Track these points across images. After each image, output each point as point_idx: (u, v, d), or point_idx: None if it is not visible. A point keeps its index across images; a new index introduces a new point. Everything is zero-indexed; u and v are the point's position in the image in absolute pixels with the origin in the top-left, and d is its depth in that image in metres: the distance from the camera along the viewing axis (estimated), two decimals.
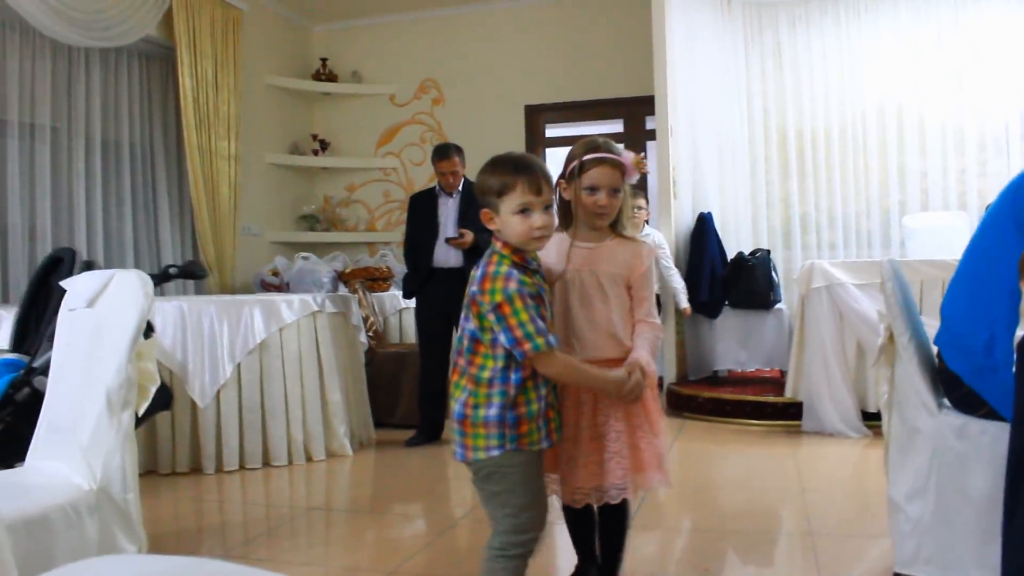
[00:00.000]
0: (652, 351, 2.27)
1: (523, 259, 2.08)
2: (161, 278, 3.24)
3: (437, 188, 5.24)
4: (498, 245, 2.08)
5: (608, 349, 2.26)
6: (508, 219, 2.05)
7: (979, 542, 2.40)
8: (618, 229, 2.35)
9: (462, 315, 2.08)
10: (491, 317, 1.99)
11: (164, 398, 3.20)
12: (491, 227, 2.11)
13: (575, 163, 2.30)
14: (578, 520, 2.48)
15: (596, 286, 2.28)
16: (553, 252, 2.27)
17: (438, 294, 5.08)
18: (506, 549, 2.04)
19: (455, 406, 2.07)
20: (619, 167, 2.28)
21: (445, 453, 4.91)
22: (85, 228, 5.76)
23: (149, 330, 3.13)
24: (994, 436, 2.37)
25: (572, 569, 2.56)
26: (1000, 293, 2.38)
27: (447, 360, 5.20)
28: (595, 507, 2.35)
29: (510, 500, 2.04)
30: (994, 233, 2.43)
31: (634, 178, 2.32)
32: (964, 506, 2.47)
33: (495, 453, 2.02)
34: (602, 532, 2.49)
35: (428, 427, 5.17)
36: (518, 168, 2.07)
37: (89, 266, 2.94)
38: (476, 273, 2.07)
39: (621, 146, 2.36)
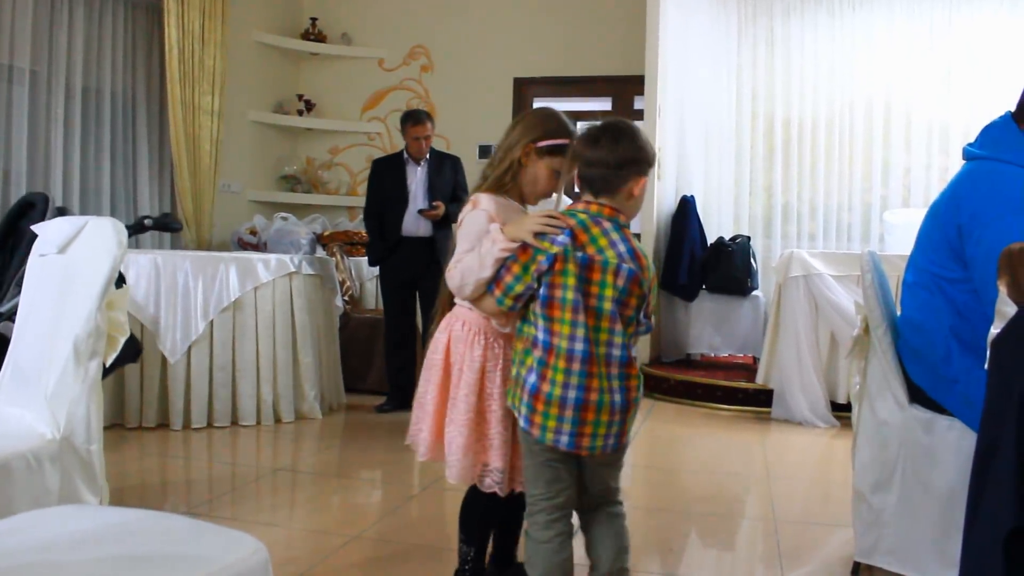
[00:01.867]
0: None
1: None
2: (135, 229, 3.20)
3: (405, 155, 5.17)
4: (621, 219, 2.06)
5: None
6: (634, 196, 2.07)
7: (940, 536, 2.43)
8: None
9: (610, 303, 1.98)
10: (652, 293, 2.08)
11: (131, 350, 3.16)
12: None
13: (567, 146, 2.20)
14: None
15: None
16: (513, 215, 2.20)
17: (405, 262, 5.04)
18: None
19: (636, 395, 2.07)
20: None
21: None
22: (61, 176, 5.68)
23: (120, 281, 3.10)
24: (961, 432, 2.40)
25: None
26: (950, 312, 2.43)
27: (414, 328, 5.21)
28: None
29: None
30: (933, 256, 2.49)
31: None
32: (927, 500, 2.50)
33: None
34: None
35: (398, 394, 5.15)
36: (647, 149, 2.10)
37: (62, 212, 2.89)
38: (618, 251, 2.00)
39: None
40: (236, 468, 3.95)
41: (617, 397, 2.00)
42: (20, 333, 2.24)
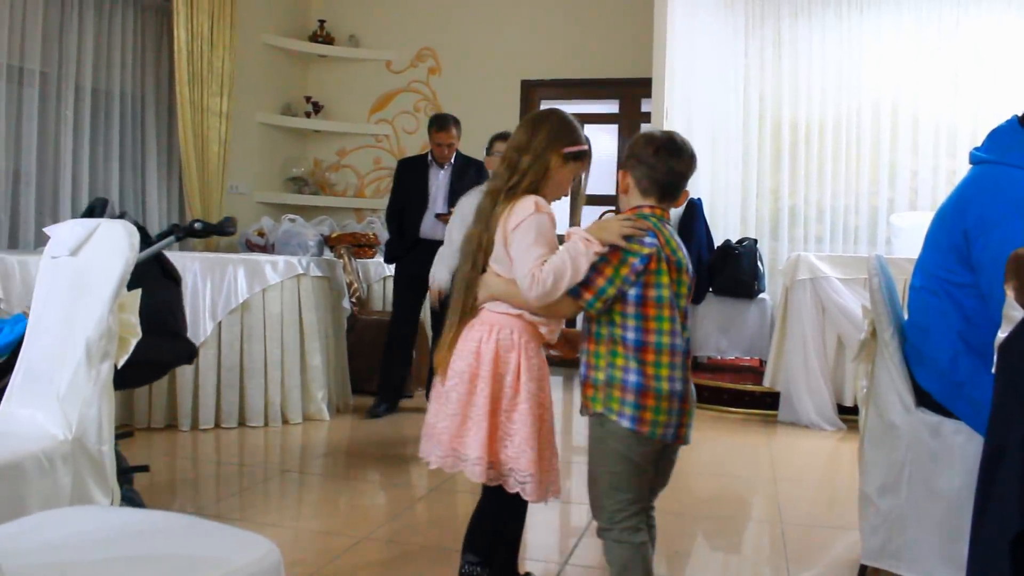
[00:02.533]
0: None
1: None
2: (186, 232, 3.23)
3: (429, 158, 5.20)
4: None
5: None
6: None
7: (946, 539, 2.43)
8: None
9: (684, 300, 2.11)
10: None
11: (185, 352, 3.21)
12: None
13: (587, 152, 2.29)
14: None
15: None
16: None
17: (419, 263, 5.05)
18: None
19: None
20: None
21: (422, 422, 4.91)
22: (71, 177, 5.69)
23: (174, 280, 3.15)
24: (968, 436, 2.40)
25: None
26: (957, 316, 2.44)
27: (416, 330, 5.24)
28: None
29: None
30: (940, 260, 2.50)
31: None
32: (934, 503, 2.50)
33: None
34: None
35: (391, 394, 5.15)
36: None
37: (123, 216, 2.92)
38: (684, 252, 2.14)
39: None
40: (244, 469, 3.96)
41: (692, 386, 2.14)
42: (32, 335, 2.25)
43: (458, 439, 2.14)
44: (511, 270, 2.12)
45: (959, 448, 2.44)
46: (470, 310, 2.21)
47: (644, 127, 7.07)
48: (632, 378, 2.03)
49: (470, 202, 3.45)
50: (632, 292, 2.03)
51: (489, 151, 4.48)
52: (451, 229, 4.24)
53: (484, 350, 2.14)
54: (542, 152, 2.19)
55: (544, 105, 7.66)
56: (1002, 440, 1.56)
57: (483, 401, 2.11)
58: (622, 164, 2.23)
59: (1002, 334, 1.84)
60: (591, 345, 2.10)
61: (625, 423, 2.03)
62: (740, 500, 3.74)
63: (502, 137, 4.30)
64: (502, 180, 2.21)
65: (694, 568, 2.86)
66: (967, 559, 1.63)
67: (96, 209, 3.13)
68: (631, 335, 2.03)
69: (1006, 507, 1.50)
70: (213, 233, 3.33)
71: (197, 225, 3.25)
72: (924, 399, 2.56)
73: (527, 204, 2.13)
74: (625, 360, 2.04)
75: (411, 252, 5.11)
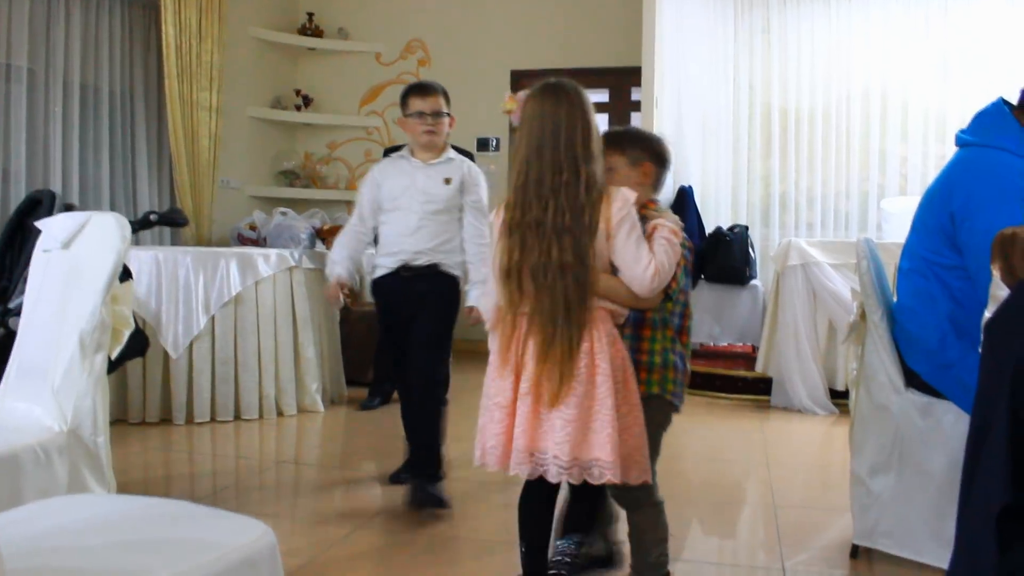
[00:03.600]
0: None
1: None
2: (141, 224, 3.23)
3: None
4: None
5: None
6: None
7: (935, 517, 2.46)
8: None
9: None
10: None
11: (139, 344, 3.20)
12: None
13: None
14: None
15: None
16: None
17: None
18: None
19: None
20: None
21: None
22: (61, 173, 5.68)
23: (126, 275, 3.13)
24: (957, 415, 2.43)
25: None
26: (945, 297, 2.46)
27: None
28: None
29: None
30: (928, 242, 2.52)
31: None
32: (924, 482, 2.53)
33: None
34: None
35: (387, 388, 5.15)
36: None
37: (69, 208, 2.91)
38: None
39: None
40: (239, 461, 3.97)
41: None
42: (26, 328, 2.26)
43: (583, 445, 1.98)
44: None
45: (948, 428, 2.47)
46: (584, 311, 2.01)
47: (634, 116, 7.08)
48: (679, 360, 2.26)
49: (388, 170, 3.47)
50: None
51: None
52: (363, 203, 3.51)
53: (598, 348, 2.00)
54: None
55: None
56: (987, 417, 1.58)
57: (608, 400, 1.98)
58: (648, 158, 2.35)
59: (988, 314, 1.86)
60: (646, 331, 2.22)
61: (676, 402, 2.27)
62: (734, 484, 3.77)
63: None
64: (601, 177, 2.11)
65: (690, 551, 2.89)
66: (955, 533, 1.65)
67: (44, 201, 3.07)
68: (677, 320, 2.26)
69: (991, 482, 1.52)
70: (166, 224, 3.38)
71: (152, 217, 3.27)
72: (914, 380, 2.59)
73: (627, 196, 2.07)
74: (674, 344, 2.25)
75: None
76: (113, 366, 3.25)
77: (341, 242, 3.56)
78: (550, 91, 2.06)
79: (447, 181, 3.39)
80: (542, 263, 1.98)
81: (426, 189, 3.37)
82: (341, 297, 3.46)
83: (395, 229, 3.39)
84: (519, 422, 1.98)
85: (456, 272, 3.42)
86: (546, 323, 1.98)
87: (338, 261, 3.51)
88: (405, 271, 3.35)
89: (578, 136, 2.03)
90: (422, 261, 3.35)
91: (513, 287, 2.01)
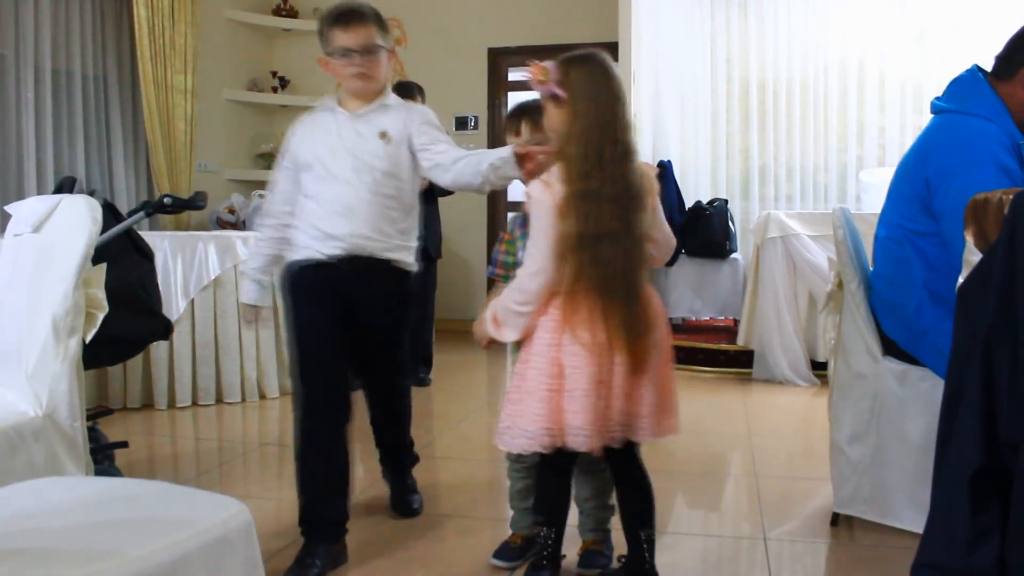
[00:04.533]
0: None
1: None
2: (156, 207, 3.20)
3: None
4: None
5: None
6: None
7: (914, 484, 2.48)
8: None
9: None
10: None
11: (160, 327, 3.20)
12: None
13: None
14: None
15: None
16: None
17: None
18: None
19: None
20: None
21: None
22: (35, 159, 5.62)
23: (146, 257, 3.12)
24: (934, 382, 2.45)
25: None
26: (921, 264, 2.47)
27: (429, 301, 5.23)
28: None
29: None
30: (904, 209, 2.53)
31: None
32: (902, 449, 2.55)
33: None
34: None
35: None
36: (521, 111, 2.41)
37: (92, 195, 2.90)
38: None
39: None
40: (223, 444, 3.97)
41: None
42: None
43: (663, 407, 2.10)
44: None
45: (925, 395, 2.49)
46: (646, 278, 2.09)
47: None
48: None
49: (309, 127, 2.68)
50: None
51: None
52: (284, 178, 2.68)
53: (656, 312, 2.10)
54: None
55: (512, 73, 7.64)
56: (960, 381, 1.59)
57: (671, 362, 2.16)
58: None
59: (962, 279, 1.87)
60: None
61: None
62: (716, 456, 3.79)
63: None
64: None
65: (675, 523, 2.90)
66: (931, 497, 1.67)
67: (64, 188, 3.11)
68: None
69: (965, 445, 1.53)
70: (184, 208, 3.31)
71: (167, 200, 3.23)
72: (891, 348, 2.60)
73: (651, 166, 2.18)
74: None
75: None
76: (130, 352, 3.29)
77: (262, 245, 2.72)
78: (595, 61, 2.08)
79: (384, 136, 2.54)
80: (609, 233, 1.99)
81: (355, 150, 2.51)
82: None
83: (326, 206, 2.51)
84: (617, 394, 2.00)
85: (412, 267, 2.67)
86: (622, 293, 2.01)
87: (254, 273, 2.76)
88: (344, 263, 2.51)
89: (625, 107, 2.07)
90: (364, 252, 2.52)
91: (585, 259, 1.99)
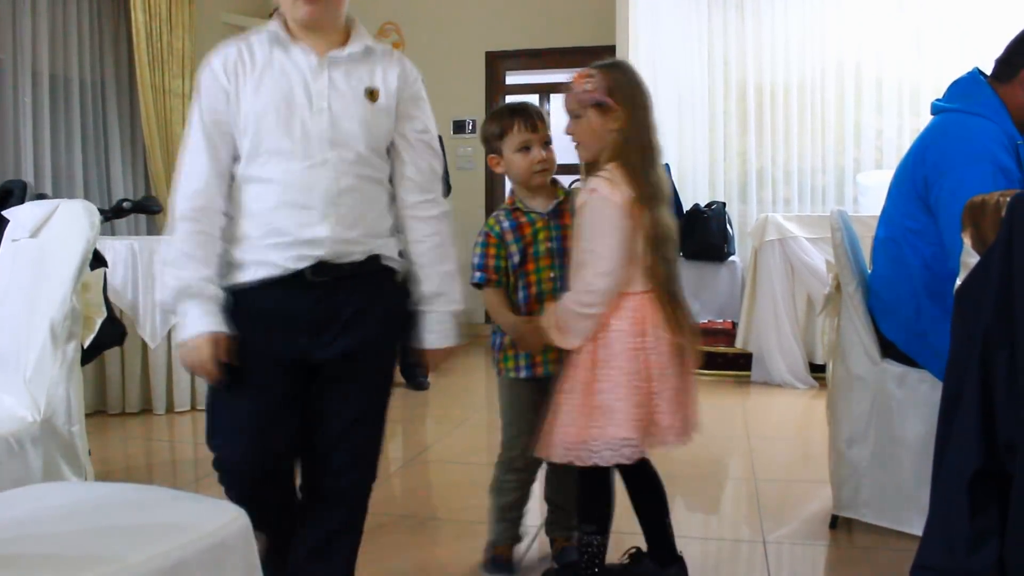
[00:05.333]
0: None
1: (512, 202, 2.32)
2: (114, 213, 3.20)
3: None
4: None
5: None
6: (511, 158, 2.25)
7: (913, 485, 2.48)
8: None
9: None
10: None
11: (116, 333, 3.18)
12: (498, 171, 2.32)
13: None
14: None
15: None
16: None
17: None
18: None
19: None
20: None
21: (396, 396, 4.92)
22: (32, 164, 5.61)
23: (100, 262, 3.11)
24: (932, 384, 2.44)
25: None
26: (919, 266, 2.48)
27: None
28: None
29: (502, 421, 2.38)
30: (903, 207, 2.54)
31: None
32: (901, 451, 2.55)
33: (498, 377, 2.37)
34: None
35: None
36: (513, 111, 2.27)
37: (41, 199, 2.89)
38: None
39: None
40: None
41: None
42: None
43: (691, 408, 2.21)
44: None
45: (924, 397, 2.49)
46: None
47: None
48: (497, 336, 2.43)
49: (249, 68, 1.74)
50: None
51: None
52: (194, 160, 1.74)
53: None
54: None
55: (509, 76, 7.64)
56: (959, 383, 1.60)
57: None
58: None
59: (960, 281, 1.87)
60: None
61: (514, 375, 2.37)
62: (715, 460, 3.79)
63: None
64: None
65: (673, 528, 2.90)
66: (929, 499, 1.67)
67: (15, 191, 3.05)
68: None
69: (963, 447, 1.53)
70: (141, 211, 3.32)
71: (125, 204, 3.23)
72: (889, 350, 2.60)
73: None
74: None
75: None
76: (89, 356, 3.23)
77: (193, 243, 1.70)
78: (628, 67, 2.15)
79: (371, 95, 1.78)
80: (669, 234, 2.06)
81: (333, 112, 1.73)
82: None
83: (291, 196, 1.70)
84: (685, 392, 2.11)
85: (400, 268, 1.90)
86: (678, 292, 2.10)
87: (204, 287, 1.71)
88: (316, 274, 1.71)
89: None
90: (351, 257, 1.75)
91: (657, 259, 2.03)
